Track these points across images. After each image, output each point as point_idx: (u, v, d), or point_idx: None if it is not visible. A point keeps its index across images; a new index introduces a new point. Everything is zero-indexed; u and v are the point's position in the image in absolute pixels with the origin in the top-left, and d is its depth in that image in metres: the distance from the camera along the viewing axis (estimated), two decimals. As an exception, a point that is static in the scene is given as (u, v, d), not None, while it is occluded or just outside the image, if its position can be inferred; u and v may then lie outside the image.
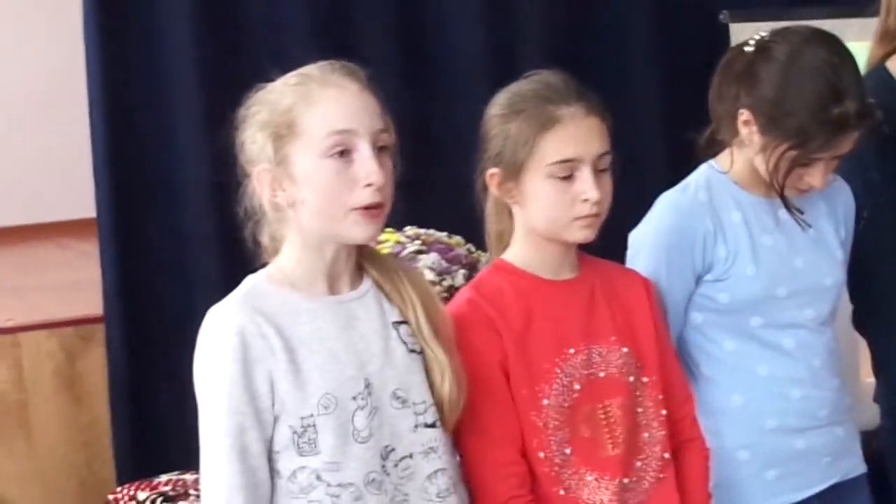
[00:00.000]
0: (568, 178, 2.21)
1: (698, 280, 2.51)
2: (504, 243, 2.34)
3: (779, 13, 3.56)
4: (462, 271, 3.36)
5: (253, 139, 2.06)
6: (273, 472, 2.01)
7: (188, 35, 3.78)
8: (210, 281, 3.84)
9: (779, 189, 2.44)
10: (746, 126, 2.47)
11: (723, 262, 2.49)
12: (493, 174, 2.27)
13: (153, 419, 3.74)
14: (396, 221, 3.19)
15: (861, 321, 2.76)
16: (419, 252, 3.38)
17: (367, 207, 2.02)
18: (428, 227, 3.52)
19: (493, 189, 2.28)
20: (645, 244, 2.50)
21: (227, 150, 3.69)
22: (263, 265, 2.10)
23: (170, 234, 3.84)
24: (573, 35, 4.08)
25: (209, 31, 3.79)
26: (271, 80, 2.10)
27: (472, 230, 3.21)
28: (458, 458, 2.17)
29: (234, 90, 3.76)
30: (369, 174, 2.02)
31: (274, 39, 3.87)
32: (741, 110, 2.46)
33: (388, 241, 3.34)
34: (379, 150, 2.04)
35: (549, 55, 4.01)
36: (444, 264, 3.37)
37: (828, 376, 2.55)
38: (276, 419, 2.00)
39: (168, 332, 3.75)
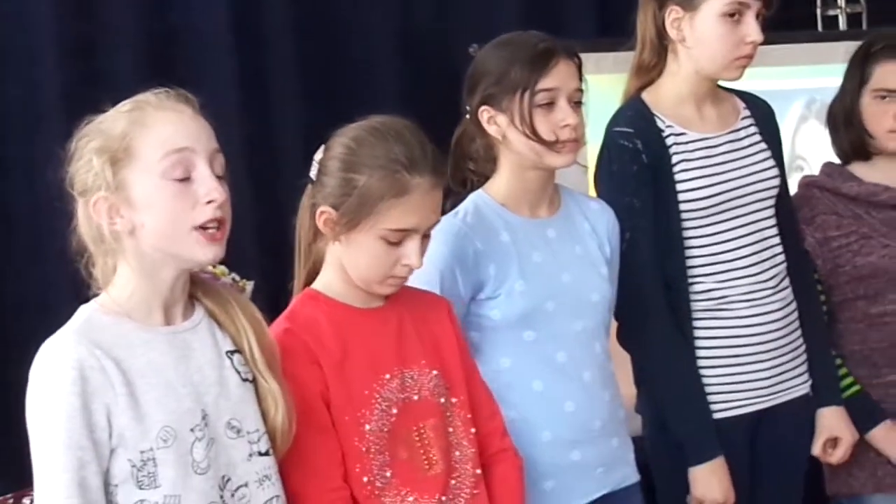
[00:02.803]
0: (398, 243, 2.29)
1: (472, 300, 2.64)
2: (313, 256, 2.39)
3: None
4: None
5: (88, 167, 2.06)
6: None
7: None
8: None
9: (536, 138, 2.61)
10: (491, 121, 2.67)
11: (493, 280, 2.63)
12: (324, 213, 2.31)
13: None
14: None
15: (624, 336, 2.92)
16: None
17: (208, 225, 2.04)
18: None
19: (320, 224, 2.32)
20: (421, 269, 2.60)
21: None
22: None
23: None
24: (322, 65, 4.14)
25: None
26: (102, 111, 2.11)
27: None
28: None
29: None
30: (210, 192, 2.04)
31: (20, 70, 3.81)
32: (480, 111, 2.67)
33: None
34: (217, 177, 2.07)
35: (301, 87, 4.08)
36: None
37: (599, 389, 2.71)
38: (111, 452, 2.00)
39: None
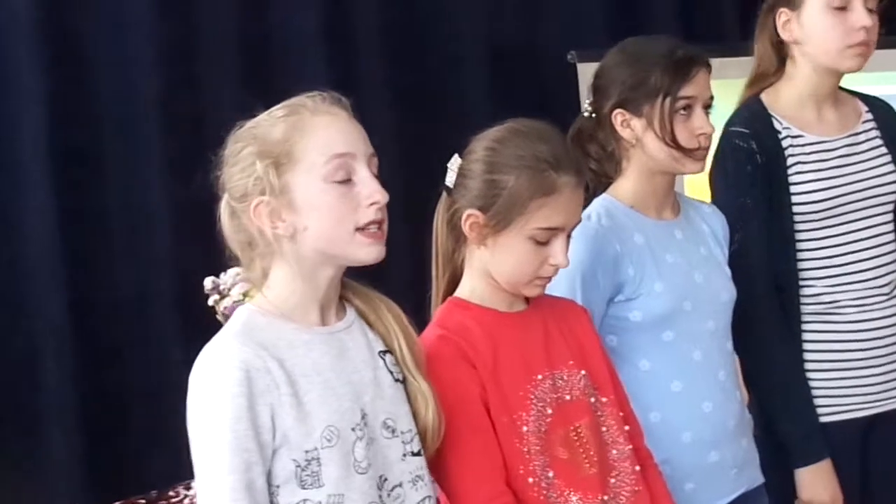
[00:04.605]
0: (545, 243, 2.29)
1: (609, 302, 2.64)
2: (454, 264, 2.39)
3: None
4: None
5: (248, 172, 2.06)
6: None
7: (33, 68, 3.71)
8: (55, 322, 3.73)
9: (675, 145, 2.63)
10: (625, 124, 2.68)
11: (632, 281, 2.64)
12: (471, 216, 2.30)
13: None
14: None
15: (734, 336, 2.86)
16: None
17: (371, 225, 2.06)
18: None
19: (466, 228, 2.32)
20: (560, 274, 2.59)
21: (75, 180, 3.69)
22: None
23: (8, 268, 3.74)
24: (412, 69, 4.15)
25: (54, 64, 3.74)
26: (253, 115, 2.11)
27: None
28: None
29: (79, 123, 3.77)
30: (373, 193, 2.06)
31: (119, 73, 3.84)
32: (614, 115, 2.67)
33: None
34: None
35: (391, 91, 4.11)
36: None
37: (732, 388, 2.73)
38: (274, 452, 2.00)
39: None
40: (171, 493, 3.26)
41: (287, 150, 2.04)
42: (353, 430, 2.04)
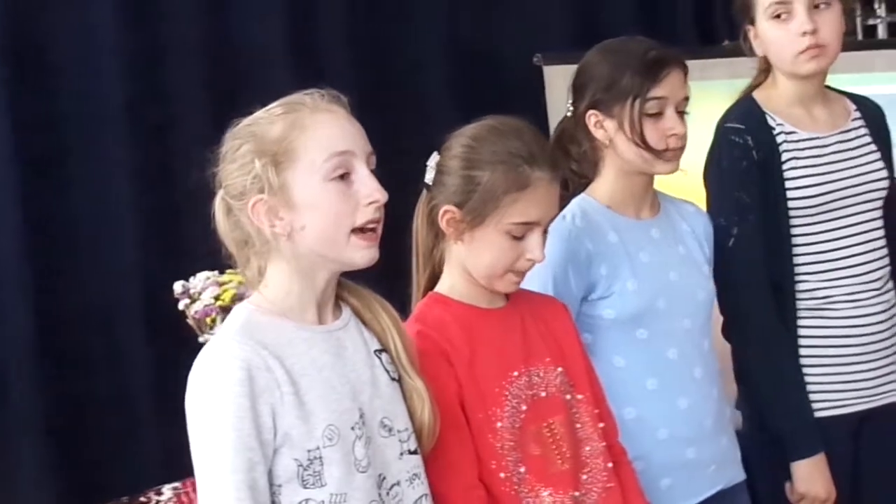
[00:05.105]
0: (521, 238, 2.32)
1: (582, 301, 2.67)
2: (433, 260, 2.42)
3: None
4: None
5: (246, 170, 2.04)
6: None
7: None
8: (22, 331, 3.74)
9: (644, 146, 2.66)
10: (599, 125, 2.71)
11: (605, 280, 2.67)
12: (448, 211, 2.34)
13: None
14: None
15: (729, 330, 2.94)
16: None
17: (367, 227, 2.06)
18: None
19: (443, 224, 2.35)
20: (534, 272, 2.61)
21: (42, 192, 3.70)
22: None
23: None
24: (375, 77, 4.17)
25: (18, 71, 3.73)
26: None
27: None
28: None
29: (44, 132, 3.77)
30: (373, 192, 2.06)
31: (84, 81, 3.84)
32: (588, 115, 2.70)
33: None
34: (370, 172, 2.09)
35: (355, 98, 4.11)
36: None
37: (709, 386, 2.75)
38: (275, 452, 1.99)
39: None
40: (142, 499, 3.26)
41: (286, 148, 2.03)
42: (352, 429, 2.04)
